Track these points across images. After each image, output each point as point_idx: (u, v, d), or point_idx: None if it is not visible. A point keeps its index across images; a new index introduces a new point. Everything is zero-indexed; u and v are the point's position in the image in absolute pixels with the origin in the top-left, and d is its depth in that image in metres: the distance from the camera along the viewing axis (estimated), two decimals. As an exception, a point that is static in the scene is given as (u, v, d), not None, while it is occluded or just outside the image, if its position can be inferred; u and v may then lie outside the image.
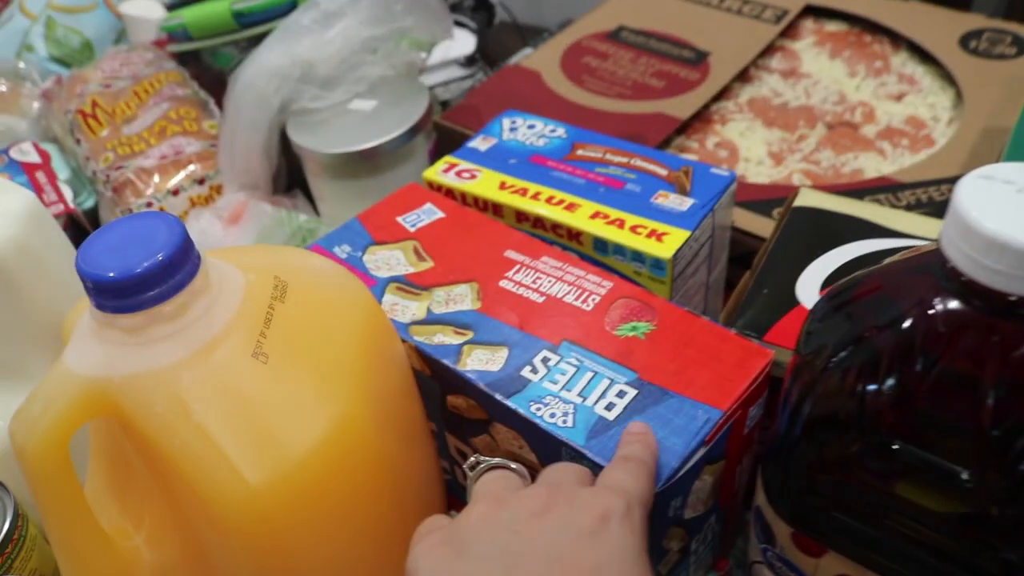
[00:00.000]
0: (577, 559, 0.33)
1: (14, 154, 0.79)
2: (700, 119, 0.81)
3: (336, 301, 0.42)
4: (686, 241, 0.53)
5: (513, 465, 0.40)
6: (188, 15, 0.92)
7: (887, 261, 0.37)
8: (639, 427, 0.42)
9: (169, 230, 0.36)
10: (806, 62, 0.88)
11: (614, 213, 0.55)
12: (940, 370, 0.31)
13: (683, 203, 0.55)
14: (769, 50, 0.89)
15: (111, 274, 0.35)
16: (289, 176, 0.81)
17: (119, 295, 0.35)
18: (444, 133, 0.78)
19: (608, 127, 0.77)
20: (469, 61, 0.98)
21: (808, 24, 0.93)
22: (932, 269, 0.32)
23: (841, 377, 0.34)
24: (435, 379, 0.48)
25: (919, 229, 0.53)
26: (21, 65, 0.95)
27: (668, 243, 0.52)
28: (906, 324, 0.32)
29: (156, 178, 0.77)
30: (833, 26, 0.92)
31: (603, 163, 0.60)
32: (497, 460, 0.40)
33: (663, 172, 0.58)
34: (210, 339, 0.37)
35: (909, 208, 0.66)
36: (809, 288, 0.50)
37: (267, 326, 0.38)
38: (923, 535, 0.35)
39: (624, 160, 0.60)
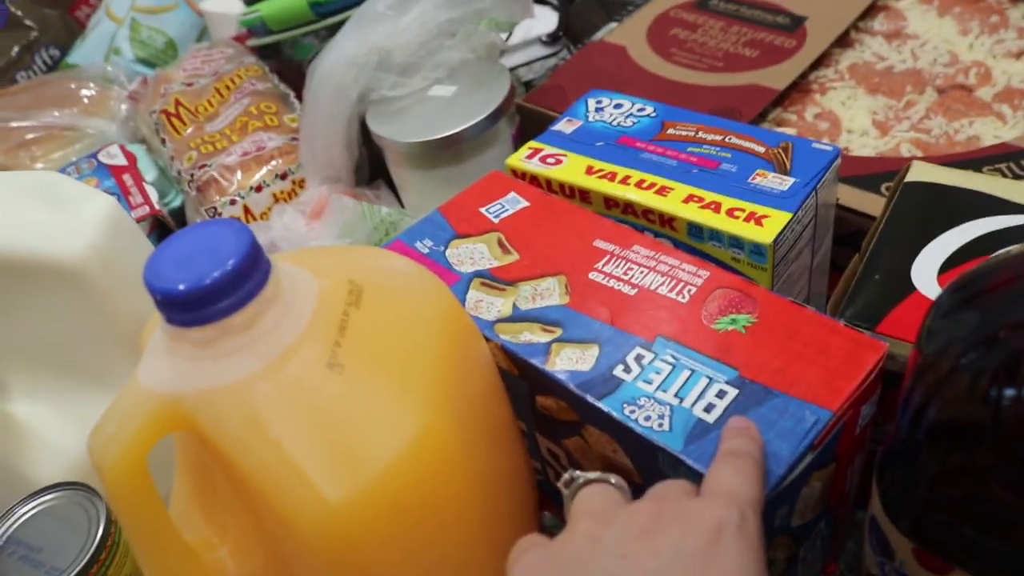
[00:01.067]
0: None
1: (102, 158, 0.80)
2: (798, 89, 0.76)
3: (415, 303, 0.40)
4: (788, 224, 0.49)
5: (612, 479, 0.37)
6: (266, 8, 0.91)
7: (1019, 245, 0.33)
8: (740, 421, 0.39)
9: (236, 237, 0.35)
10: (912, 22, 0.82)
11: (709, 196, 0.51)
12: (1092, 373, 0.27)
13: (783, 182, 0.51)
14: (871, 11, 0.83)
15: (180, 287, 0.34)
16: (372, 167, 0.79)
17: (188, 308, 0.34)
18: (528, 116, 0.76)
19: (699, 102, 0.73)
20: (552, 39, 0.95)
21: (913, -20, 0.86)
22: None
23: (972, 380, 0.30)
24: (523, 379, 0.46)
25: (1049, 202, 0.48)
26: (109, 68, 0.96)
27: (768, 227, 0.49)
28: (1050, 320, 0.28)
29: (239, 175, 0.76)
30: (941, -19, 0.86)
31: (696, 142, 0.56)
32: (595, 474, 0.37)
33: (760, 149, 0.54)
34: (283, 350, 0.35)
35: (1034, 177, 0.61)
36: (926, 272, 0.46)
37: (342, 334, 0.36)
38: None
39: (718, 138, 0.56)
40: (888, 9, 0.84)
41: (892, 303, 0.45)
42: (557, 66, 0.89)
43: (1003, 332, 0.30)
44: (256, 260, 0.35)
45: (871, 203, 0.60)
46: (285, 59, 0.99)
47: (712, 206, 0.51)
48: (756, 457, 0.36)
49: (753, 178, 0.52)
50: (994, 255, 0.34)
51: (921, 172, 0.52)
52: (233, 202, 0.75)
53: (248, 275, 0.35)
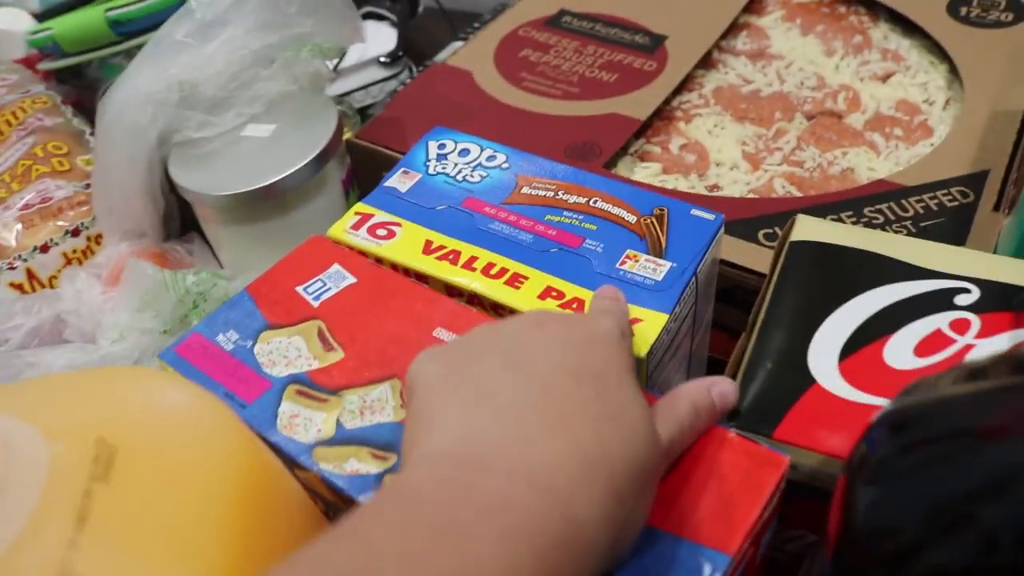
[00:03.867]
0: (578, 365, 0.32)
1: None
2: (661, 117, 0.69)
3: (192, 458, 0.30)
4: (664, 327, 0.41)
5: None
6: (59, 26, 0.78)
7: (956, 374, 0.26)
8: (610, 291, 0.41)
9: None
10: (775, 40, 0.77)
11: (571, 290, 0.43)
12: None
13: (657, 269, 0.43)
14: (733, 29, 0.77)
15: None
16: (183, 216, 0.68)
17: None
18: (361, 154, 0.66)
19: (555, 135, 0.65)
20: (391, 59, 0.85)
21: (774, -5, 0.81)
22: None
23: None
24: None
25: (949, 265, 0.42)
26: None
27: (641, 334, 0.40)
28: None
29: (20, 232, 0.64)
30: (802, -4, 0.81)
31: (555, 206, 0.48)
32: None
33: (631, 219, 0.46)
34: (-8, 560, 0.25)
35: (918, 219, 0.55)
36: (825, 360, 0.39)
37: (81, 528, 0.26)
38: None
39: (582, 201, 0.48)
40: (750, 27, 0.78)
41: (790, 401, 0.38)
42: (397, 90, 0.80)
43: (970, 507, 0.22)
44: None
45: (749, 253, 0.54)
46: (89, 83, 0.86)
47: (574, 304, 0.42)
48: (625, 310, 0.40)
49: (622, 262, 0.44)
50: (925, 383, 0.27)
51: (807, 229, 0.46)
52: (12, 267, 0.63)
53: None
